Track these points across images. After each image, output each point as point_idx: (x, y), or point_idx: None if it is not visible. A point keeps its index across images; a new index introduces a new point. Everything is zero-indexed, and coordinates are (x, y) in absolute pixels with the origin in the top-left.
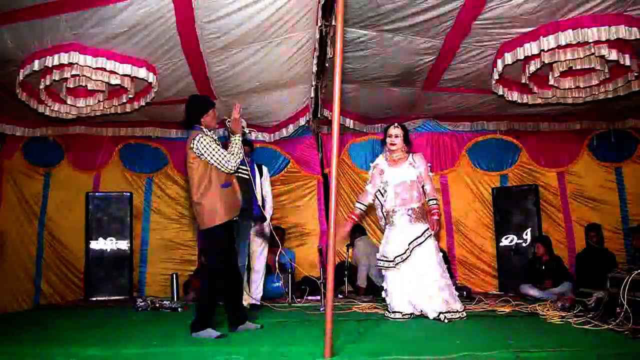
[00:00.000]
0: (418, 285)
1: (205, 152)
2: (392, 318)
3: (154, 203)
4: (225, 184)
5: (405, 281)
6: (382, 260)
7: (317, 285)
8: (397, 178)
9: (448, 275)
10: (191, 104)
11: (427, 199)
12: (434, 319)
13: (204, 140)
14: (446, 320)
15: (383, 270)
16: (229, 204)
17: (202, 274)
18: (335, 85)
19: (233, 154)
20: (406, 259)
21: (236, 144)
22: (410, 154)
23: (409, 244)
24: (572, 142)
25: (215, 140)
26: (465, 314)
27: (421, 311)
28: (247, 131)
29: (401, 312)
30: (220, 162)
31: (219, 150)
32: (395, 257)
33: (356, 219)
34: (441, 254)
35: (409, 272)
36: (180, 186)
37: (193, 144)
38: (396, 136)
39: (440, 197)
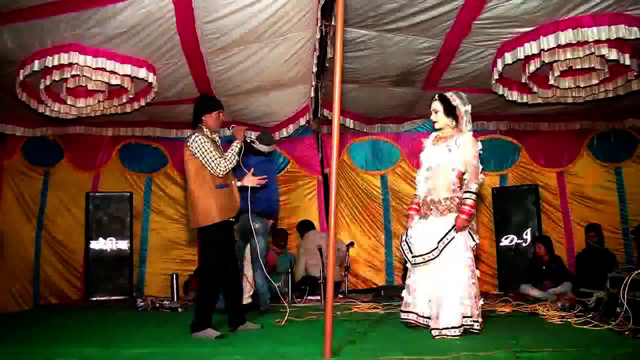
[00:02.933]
0: (438, 292)
1: (197, 151)
2: (402, 319)
3: (154, 203)
4: (221, 185)
5: (428, 282)
6: (405, 253)
7: (317, 285)
8: (429, 160)
9: (473, 281)
10: (197, 102)
11: (462, 191)
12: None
13: (199, 139)
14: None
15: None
16: (224, 205)
17: (200, 274)
18: (335, 85)
19: (226, 159)
20: (431, 259)
21: (232, 149)
22: (458, 134)
23: (438, 242)
24: (572, 142)
25: (213, 140)
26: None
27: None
28: (249, 140)
29: (416, 314)
30: (209, 164)
31: (211, 152)
32: (415, 256)
33: (415, 211)
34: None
35: (435, 274)
36: (180, 186)
37: (189, 141)
38: (435, 111)
39: None
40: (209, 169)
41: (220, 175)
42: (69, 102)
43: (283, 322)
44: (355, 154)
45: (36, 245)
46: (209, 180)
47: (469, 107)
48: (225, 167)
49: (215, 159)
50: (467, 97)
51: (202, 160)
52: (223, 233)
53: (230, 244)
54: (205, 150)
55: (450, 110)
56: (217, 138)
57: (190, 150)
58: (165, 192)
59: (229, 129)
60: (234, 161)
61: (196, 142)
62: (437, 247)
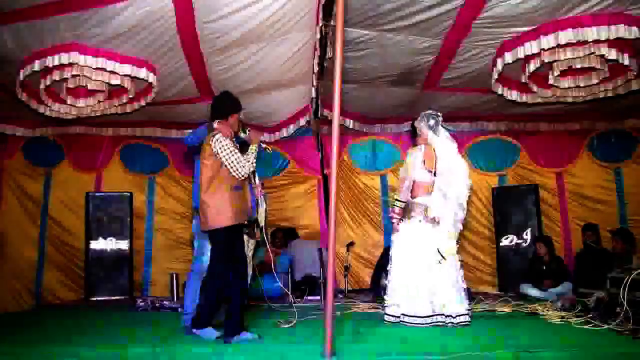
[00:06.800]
0: None
1: (221, 152)
2: None
3: (157, 203)
4: (237, 187)
5: None
6: None
7: (317, 285)
8: None
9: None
10: (227, 99)
11: None
12: None
13: (224, 140)
14: None
15: None
16: (237, 208)
17: (208, 274)
18: (335, 85)
19: (248, 161)
20: None
21: (252, 153)
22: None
23: None
24: (572, 142)
25: (234, 142)
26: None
27: None
28: (264, 146)
29: None
30: (234, 166)
31: (235, 153)
32: None
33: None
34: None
35: None
36: (183, 186)
37: (212, 140)
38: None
39: None
40: (232, 170)
41: (241, 178)
42: (69, 102)
43: (291, 325)
44: (355, 154)
45: (38, 245)
46: (227, 180)
47: (427, 122)
48: (248, 169)
49: (240, 161)
50: (431, 114)
51: (226, 161)
52: (236, 236)
53: (241, 248)
54: (230, 152)
55: (414, 131)
56: (232, 139)
57: (213, 150)
58: (167, 192)
59: (246, 131)
60: (254, 165)
61: (220, 141)
62: None
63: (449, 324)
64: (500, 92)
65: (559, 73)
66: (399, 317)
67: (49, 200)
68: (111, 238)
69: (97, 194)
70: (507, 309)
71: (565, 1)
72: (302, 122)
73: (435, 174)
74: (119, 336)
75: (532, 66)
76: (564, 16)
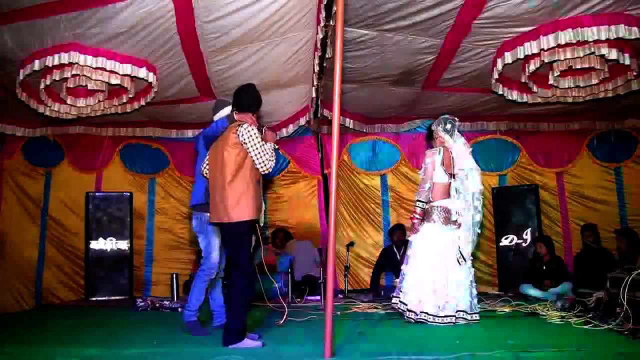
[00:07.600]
0: None
1: (249, 142)
2: None
3: (157, 203)
4: (258, 180)
5: None
6: None
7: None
8: None
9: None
10: (257, 93)
11: None
12: None
13: (253, 130)
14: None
15: None
16: (258, 203)
17: (233, 276)
18: (335, 85)
19: (273, 156)
20: None
21: (270, 150)
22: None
23: None
24: (572, 142)
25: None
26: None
27: None
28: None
29: None
30: (261, 158)
31: (264, 145)
32: None
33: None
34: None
35: None
36: (183, 186)
37: (240, 130)
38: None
39: None
40: (258, 162)
41: (264, 171)
42: (69, 101)
43: (282, 322)
44: (355, 154)
45: (38, 245)
46: (253, 173)
47: (444, 126)
48: (273, 164)
49: (268, 153)
50: (448, 118)
51: (254, 152)
52: (252, 232)
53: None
54: (259, 142)
55: (430, 134)
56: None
57: (241, 140)
58: (168, 193)
59: (262, 130)
60: (274, 162)
61: (248, 132)
62: None
63: (460, 319)
64: (500, 92)
65: (559, 73)
66: (418, 314)
67: (49, 200)
68: (111, 238)
69: (97, 194)
70: (507, 309)
71: (566, 1)
72: (302, 122)
73: (453, 177)
74: (119, 336)
75: (532, 66)
76: (564, 16)
